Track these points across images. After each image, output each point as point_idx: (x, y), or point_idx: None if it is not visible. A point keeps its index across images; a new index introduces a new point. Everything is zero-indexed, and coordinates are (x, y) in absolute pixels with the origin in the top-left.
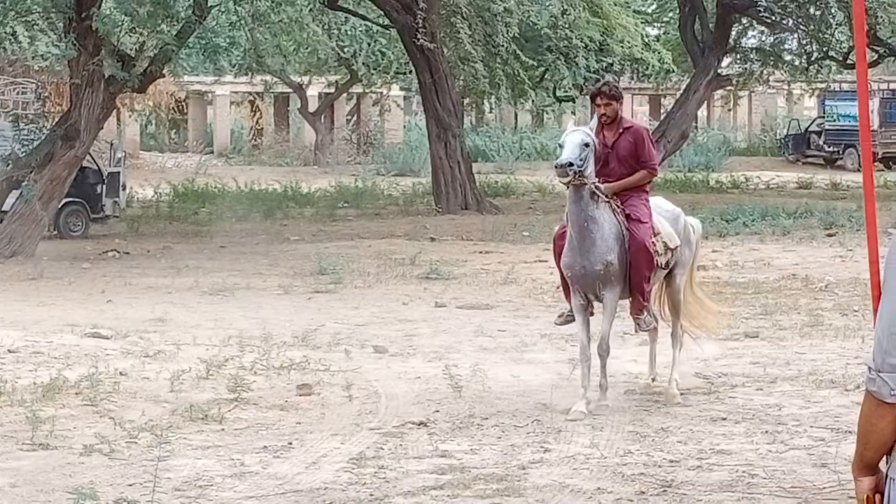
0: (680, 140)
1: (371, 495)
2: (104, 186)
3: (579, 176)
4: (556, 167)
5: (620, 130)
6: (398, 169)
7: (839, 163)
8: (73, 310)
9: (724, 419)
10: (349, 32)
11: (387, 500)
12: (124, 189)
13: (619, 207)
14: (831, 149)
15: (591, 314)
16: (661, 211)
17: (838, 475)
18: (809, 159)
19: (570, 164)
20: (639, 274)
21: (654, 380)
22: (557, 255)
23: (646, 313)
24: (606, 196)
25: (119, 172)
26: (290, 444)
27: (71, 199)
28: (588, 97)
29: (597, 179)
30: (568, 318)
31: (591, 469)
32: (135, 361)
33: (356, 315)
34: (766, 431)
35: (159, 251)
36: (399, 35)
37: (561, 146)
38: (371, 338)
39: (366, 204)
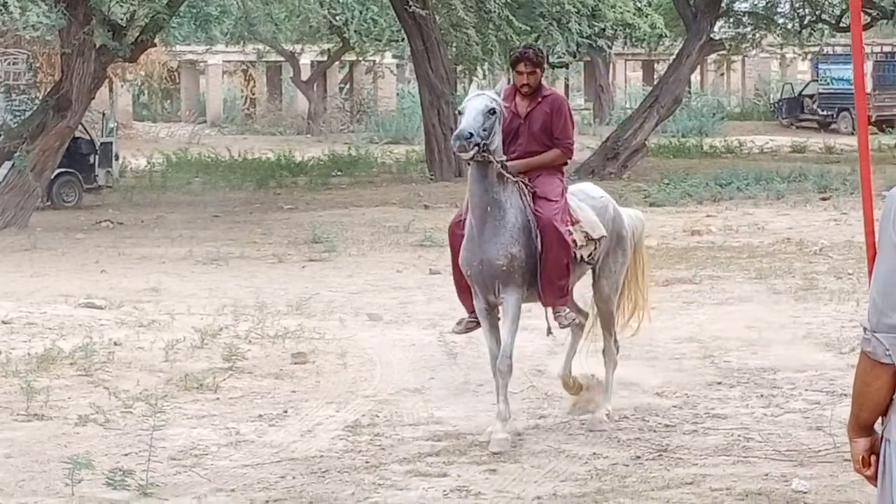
0: (673, 105)
1: (367, 462)
2: (97, 157)
3: (483, 151)
4: (453, 140)
5: (539, 99)
6: (391, 137)
7: (833, 126)
8: (67, 280)
9: (719, 383)
10: (341, 0)
11: (382, 468)
12: (117, 159)
13: (526, 187)
14: (825, 112)
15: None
16: (586, 197)
17: (833, 438)
18: (803, 123)
19: (471, 136)
20: (553, 258)
21: (572, 381)
22: (455, 247)
23: (566, 308)
24: (514, 175)
25: (112, 142)
26: (286, 412)
27: (64, 170)
28: (525, 62)
29: (504, 157)
30: (469, 325)
31: (586, 434)
32: (129, 331)
33: (350, 283)
34: (762, 395)
35: (153, 221)
36: (391, 2)
37: (461, 113)
38: (365, 306)
39: (359, 172)
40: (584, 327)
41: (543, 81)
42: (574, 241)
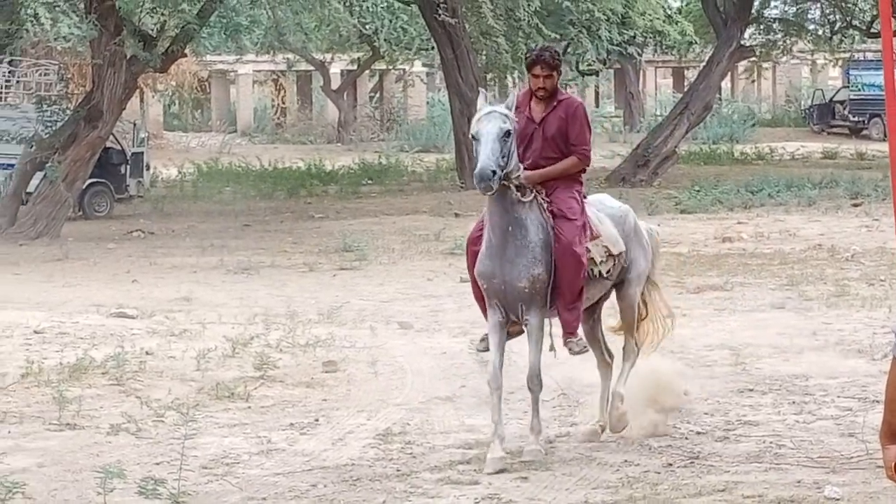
0: (704, 112)
1: (398, 471)
2: (128, 167)
3: (502, 180)
4: (476, 182)
5: (554, 104)
6: (422, 145)
7: (864, 132)
8: (99, 290)
9: (751, 390)
10: (370, 9)
11: (414, 476)
12: (148, 169)
13: (544, 202)
14: (856, 118)
15: (519, 333)
16: (605, 209)
17: (866, 444)
18: (834, 129)
19: (493, 174)
20: (569, 284)
21: (603, 428)
22: (472, 261)
23: (579, 335)
24: (531, 189)
25: (143, 152)
26: (317, 420)
27: (95, 180)
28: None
29: (521, 170)
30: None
31: (617, 442)
32: (161, 340)
33: (381, 291)
34: (793, 402)
35: (184, 230)
36: (420, 11)
37: (475, 139)
38: (396, 314)
39: (390, 180)
40: (612, 369)
41: (561, 85)
42: (593, 258)
